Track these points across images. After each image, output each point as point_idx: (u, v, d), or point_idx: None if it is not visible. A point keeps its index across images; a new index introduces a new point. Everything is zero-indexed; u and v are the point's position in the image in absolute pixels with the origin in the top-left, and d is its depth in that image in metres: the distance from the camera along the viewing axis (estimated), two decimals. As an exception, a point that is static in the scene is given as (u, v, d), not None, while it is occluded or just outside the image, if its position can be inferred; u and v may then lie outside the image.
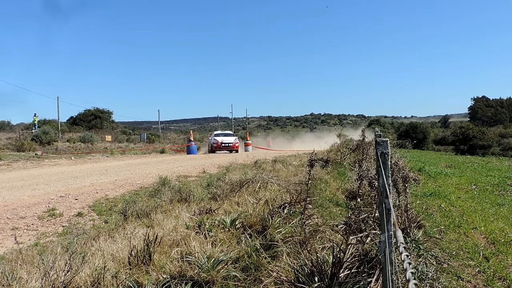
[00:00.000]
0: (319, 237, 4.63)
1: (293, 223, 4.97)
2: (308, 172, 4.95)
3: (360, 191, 4.09)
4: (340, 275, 3.30)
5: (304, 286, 3.29)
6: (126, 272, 3.79)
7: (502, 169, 15.88)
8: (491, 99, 69.82)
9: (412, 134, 35.76)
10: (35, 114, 37.96)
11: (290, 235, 4.58)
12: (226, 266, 3.81)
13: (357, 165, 10.56)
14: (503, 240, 5.46)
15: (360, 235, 3.91)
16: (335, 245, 3.49)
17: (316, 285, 3.26)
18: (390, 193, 2.60)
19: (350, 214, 3.35)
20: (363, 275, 3.45)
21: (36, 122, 37.55)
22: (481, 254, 4.79)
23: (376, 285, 3.31)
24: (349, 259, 3.52)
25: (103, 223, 7.99)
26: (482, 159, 24.39)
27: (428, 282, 3.62)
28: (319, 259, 3.46)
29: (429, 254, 4.46)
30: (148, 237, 4.15)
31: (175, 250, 4.20)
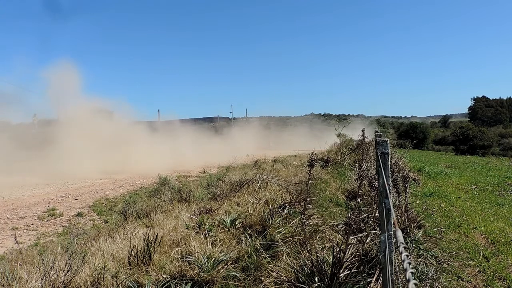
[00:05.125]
0: (319, 237, 4.63)
1: (293, 223, 4.97)
2: (308, 172, 4.95)
3: (360, 191, 4.09)
4: (340, 275, 3.30)
5: (304, 286, 3.29)
6: (126, 272, 3.79)
7: (502, 169, 15.87)
8: (491, 99, 69.82)
9: (412, 134, 35.77)
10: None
11: (290, 235, 4.58)
12: (226, 266, 3.82)
13: (357, 165, 10.57)
14: (503, 240, 5.46)
15: (360, 235, 3.92)
16: (335, 245, 3.49)
17: (316, 285, 3.26)
18: (390, 193, 2.60)
19: (350, 214, 3.35)
20: (363, 275, 3.45)
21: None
22: (481, 254, 4.79)
23: (376, 285, 3.31)
24: (349, 259, 3.52)
25: (103, 223, 7.99)
26: (482, 159, 24.39)
27: (428, 282, 3.62)
28: (319, 259, 3.46)
29: (429, 254, 4.46)
30: (148, 237, 4.15)
31: (175, 250, 4.20)
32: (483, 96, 70.31)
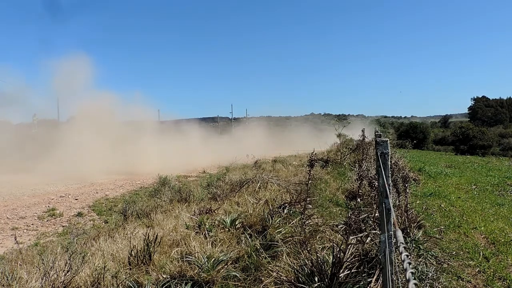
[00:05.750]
0: (319, 237, 4.63)
1: (293, 223, 4.97)
2: (308, 172, 4.95)
3: (360, 191, 4.09)
4: (340, 275, 3.30)
5: (304, 286, 3.29)
6: (126, 272, 3.79)
7: (502, 169, 15.87)
8: (491, 99, 69.81)
9: (412, 134, 35.78)
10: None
11: (290, 235, 4.58)
12: (226, 266, 3.82)
13: (357, 165, 10.57)
14: (503, 240, 5.46)
15: (360, 235, 3.92)
16: (335, 245, 3.49)
17: (316, 285, 3.26)
18: (390, 193, 2.60)
19: (350, 214, 3.35)
20: (363, 275, 3.45)
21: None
22: (481, 254, 4.79)
23: (376, 285, 3.31)
24: (349, 259, 3.52)
25: (103, 223, 7.99)
26: (482, 159, 24.38)
27: (428, 282, 3.62)
28: (319, 259, 3.46)
29: (429, 254, 4.46)
30: (148, 237, 4.15)
31: (175, 250, 4.20)
32: (483, 96, 70.30)
